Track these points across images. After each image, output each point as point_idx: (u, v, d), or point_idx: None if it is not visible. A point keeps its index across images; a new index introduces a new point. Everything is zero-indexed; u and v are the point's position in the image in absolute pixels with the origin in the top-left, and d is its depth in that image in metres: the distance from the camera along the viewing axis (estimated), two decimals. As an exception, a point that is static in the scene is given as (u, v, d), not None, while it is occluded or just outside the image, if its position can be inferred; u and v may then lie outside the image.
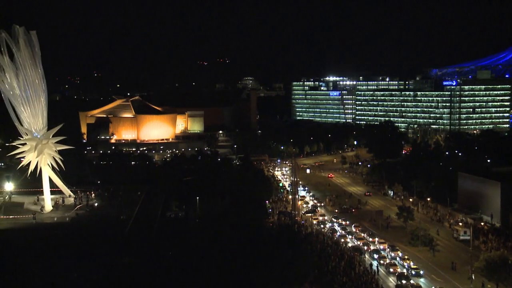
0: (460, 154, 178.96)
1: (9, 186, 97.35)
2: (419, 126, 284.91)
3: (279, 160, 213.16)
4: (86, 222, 77.30)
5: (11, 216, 78.57)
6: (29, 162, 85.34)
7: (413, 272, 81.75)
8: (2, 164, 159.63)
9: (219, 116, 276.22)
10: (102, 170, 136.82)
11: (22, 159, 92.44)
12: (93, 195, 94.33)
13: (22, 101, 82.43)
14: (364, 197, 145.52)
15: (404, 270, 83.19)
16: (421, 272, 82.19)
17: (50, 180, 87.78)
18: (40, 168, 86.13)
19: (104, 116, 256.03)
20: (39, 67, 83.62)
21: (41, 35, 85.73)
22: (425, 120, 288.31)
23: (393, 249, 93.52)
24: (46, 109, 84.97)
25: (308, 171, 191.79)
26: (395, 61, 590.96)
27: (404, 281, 77.62)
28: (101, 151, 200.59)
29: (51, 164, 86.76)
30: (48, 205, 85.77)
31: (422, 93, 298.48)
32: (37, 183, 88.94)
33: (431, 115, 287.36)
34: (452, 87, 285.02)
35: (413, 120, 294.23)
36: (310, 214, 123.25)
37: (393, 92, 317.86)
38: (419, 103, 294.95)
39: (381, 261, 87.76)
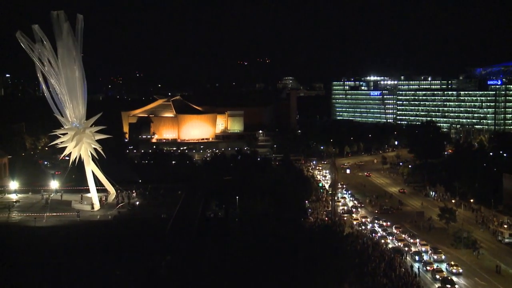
0: (505, 155, 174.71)
1: (54, 184, 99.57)
2: (462, 126, 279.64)
3: (314, 161, 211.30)
4: (128, 221, 78.40)
5: (54, 214, 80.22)
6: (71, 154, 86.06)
7: None
8: (47, 162, 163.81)
9: (259, 116, 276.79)
10: (143, 169, 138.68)
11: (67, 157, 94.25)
12: (134, 194, 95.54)
13: (61, 90, 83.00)
14: (405, 198, 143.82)
15: (451, 275, 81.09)
16: None
17: (95, 176, 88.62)
18: (83, 162, 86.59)
19: (146, 115, 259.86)
20: (79, 54, 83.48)
21: (85, 36, 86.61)
22: (468, 120, 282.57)
23: (435, 252, 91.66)
24: (85, 98, 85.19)
25: (348, 171, 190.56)
26: (437, 60, 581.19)
27: (448, 286, 76.19)
28: (142, 150, 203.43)
29: (93, 157, 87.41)
30: (97, 204, 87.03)
31: (466, 92, 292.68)
32: (84, 181, 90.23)
33: (475, 115, 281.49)
34: (497, 86, 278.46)
35: (456, 120, 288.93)
36: (347, 215, 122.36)
37: (435, 92, 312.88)
38: (462, 103, 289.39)
39: (428, 267, 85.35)
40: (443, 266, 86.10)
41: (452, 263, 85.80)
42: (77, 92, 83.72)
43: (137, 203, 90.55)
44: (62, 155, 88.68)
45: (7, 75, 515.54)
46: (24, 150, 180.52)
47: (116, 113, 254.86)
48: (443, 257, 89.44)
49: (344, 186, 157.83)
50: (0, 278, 56.44)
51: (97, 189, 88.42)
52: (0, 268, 58.04)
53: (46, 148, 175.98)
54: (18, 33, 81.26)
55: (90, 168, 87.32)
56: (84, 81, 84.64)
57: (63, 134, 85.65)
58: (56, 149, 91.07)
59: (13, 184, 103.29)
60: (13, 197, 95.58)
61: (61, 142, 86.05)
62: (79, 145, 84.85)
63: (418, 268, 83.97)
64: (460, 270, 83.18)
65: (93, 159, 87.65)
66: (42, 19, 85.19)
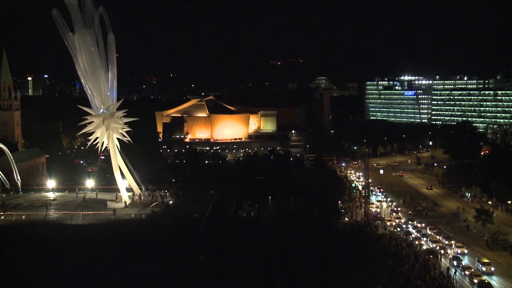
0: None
1: (90, 183, 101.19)
2: (499, 126, 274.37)
3: (344, 163, 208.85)
4: (161, 220, 79.10)
5: (90, 212, 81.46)
6: (98, 143, 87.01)
7: None
8: (83, 161, 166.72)
9: (292, 115, 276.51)
10: (176, 168, 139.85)
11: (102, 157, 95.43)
12: (167, 193, 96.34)
13: (88, 75, 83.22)
14: (440, 199, 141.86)
15: (485, 278, 79.06)
16: None
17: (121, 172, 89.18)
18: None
19: (179, 115, 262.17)
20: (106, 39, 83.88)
21: (119, 37, 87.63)
22: (506, 121, 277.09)
23: (484, 263, 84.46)
24: (109, 84, 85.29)
25: (381, 171, 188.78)
26: (474, 59, 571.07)
27: None
28: (175, 150, 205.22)
29: (124, 157, 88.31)
30: (125, 197, 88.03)
31: (503, 92, 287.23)
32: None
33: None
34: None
35: (493, 120, 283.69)
36: (378, 215, 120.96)
37: (471, 92, 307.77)
38: (500, 103, 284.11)
39: (466, 271, 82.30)
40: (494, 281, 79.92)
41: None
42: (103, 77, 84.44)
43: (170, 202, 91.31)
44: (89, 142, 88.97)
45: (45, 76, 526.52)
46: (61, 149, 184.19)
47: (150, 113, 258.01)
48: (492, 269, 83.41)
49: (381, 189, 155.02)
50: (38, 273, 57.62)
51: (127, 188, 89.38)
52: (39, 264, 59.28)
53: (82, 148, 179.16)
54: (54, 11, 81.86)
55: (117, 159, 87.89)
56: (109, 68, 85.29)
57: (89, 123, 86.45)
58: (91, 148, 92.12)
59: (51, 183, 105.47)
60: (51, 195, 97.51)
61: (90, 133, 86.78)
62: (107, 131, 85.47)
63: (455, 271, 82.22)
64: None
65: (124, 158, 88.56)
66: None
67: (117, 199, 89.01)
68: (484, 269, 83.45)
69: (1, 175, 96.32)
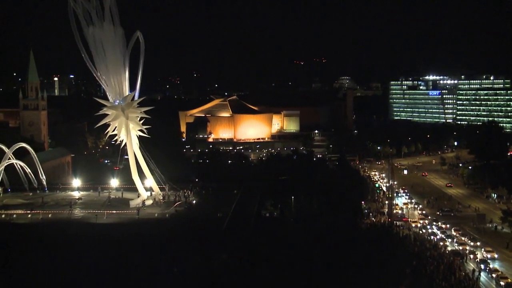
0: None
1: (114, 182, 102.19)
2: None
3: (365, 164, 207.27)
4: (185, 219, 79.56)
5: (115, 211, 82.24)
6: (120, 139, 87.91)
7: None
8: (107, 161, 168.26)
9: (315, 115, 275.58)
10: (200, 168, 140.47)
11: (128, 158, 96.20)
12: (191, 192, 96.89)
13: (104, 66, 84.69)
14: (465, 200, 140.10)
15: None
16: None
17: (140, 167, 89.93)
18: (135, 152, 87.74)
19: (203, 115, 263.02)
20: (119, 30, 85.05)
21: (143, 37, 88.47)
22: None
23: None
24: (126, 74, 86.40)
25: (405, 172, 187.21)
26: (500, 58, 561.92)
27: None
28: (199, 150, 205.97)
29: (147, 159, 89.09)
30: (143, 195, 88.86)
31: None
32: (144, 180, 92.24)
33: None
34: None
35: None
36: (402, 216, 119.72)
37: (498, 91, 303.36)
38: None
39: (493, 274, 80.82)
40: None
41: None
42: (122, 71, 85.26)
43: (194, 202, 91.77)
44: (107, 132, 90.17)
45: (71, 76, 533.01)
46: (86, 149, 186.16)
47: (174, 112, 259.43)
48: None
49: (406, 190, 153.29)
50: (63, 271, 58.38)
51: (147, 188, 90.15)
52: (64, 262, 60.05)
53: (107, 147, 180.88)
54: (72, 4, 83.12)
55: (133, 153, 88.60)
56: (126, 58, 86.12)
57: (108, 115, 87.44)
58: (116, 148, 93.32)
59: (76, 182, 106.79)
60: (76, 194, 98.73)
61: (110, 128, 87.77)
62: (126, 122, 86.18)
63: (480, 272, 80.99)
64: None
65: (147, 158, 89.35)
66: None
67: (138, 198, 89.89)
68: None
69: (30, 174, 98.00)
